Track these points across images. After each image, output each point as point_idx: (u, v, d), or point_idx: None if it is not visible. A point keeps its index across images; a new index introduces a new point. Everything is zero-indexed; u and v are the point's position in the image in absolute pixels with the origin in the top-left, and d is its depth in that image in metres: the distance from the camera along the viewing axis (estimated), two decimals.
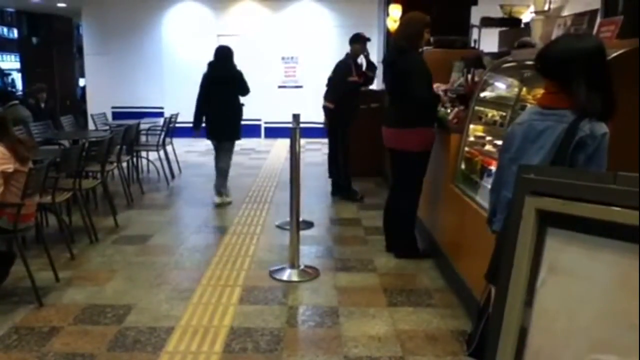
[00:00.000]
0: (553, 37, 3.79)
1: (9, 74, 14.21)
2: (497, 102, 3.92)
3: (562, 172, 1.33)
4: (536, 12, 4.27)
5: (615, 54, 2.48)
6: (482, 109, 4.11)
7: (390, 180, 4.92)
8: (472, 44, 6.67)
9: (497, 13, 6.48)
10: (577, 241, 1.33)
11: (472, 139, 4.13)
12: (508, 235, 1.46)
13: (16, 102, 7.45)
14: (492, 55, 5.05)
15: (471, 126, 4.16)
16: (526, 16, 6.11)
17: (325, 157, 8.15)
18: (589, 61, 2.10)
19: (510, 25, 6.14)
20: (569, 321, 1.34)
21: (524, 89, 3.40)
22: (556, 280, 1.36)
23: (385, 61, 4.65)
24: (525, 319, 1.38)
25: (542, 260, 1.37)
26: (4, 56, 14.51)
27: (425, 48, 6.21)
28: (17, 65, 14.49)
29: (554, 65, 2.17)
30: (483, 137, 4.06)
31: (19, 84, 14.09)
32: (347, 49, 6.64)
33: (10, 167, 3.68)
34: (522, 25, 6.01)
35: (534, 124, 2.19)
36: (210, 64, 6.47)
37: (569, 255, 1.35)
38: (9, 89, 13.66)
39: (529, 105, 2.40)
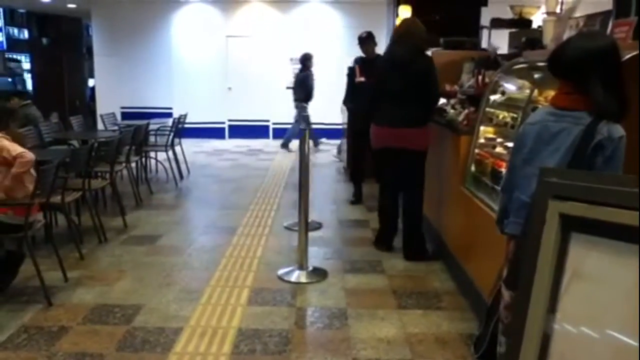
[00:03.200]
0: (564, 38, 3.76)
1: (20, 74, 14.28)
2: (508, 104, 3.89)
3: (586, 175, 1.29)
4: (548, 13, 4.23)
5: (630, 55, 2.44)
6: (492, 110, 4.08)
7: (387, 181, 4.89)
8: (486, 46, 6.62)
9: (507, 14, 6.43)
10: (601, 246, 1.30)
11: (482, 140, 4.10)
12: (530, 240, 1.44)
13: (29, 101, 7.48)
14: (502, 56, 5.02)
15: (481, 128, 4.13)
16: (537, 17, 6.07)
17: (333, 159, 8.18)
18: (604, 61, 2.07)
19: (520, 26, 6.09)
20: (594, 328, 1.32)
21: (536, 91, 3.37)
22: (580, 286, 1.33)
23: (397, 61, 4.60)
24: (548, 325, 1.36)
25: (566, 266, 1.34)
26: (15, 57, 14.59)
27: (434, 49, 6.20)
28: (28, 66, 14.57)
29: (569, 65, 2.13)
30: (494, 139, 4.03)
31: (29, 85, 14.15)
32: (355, 50, 6.68)
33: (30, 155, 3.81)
34: (533, 27, 5.97)
35: (548, 125, 2.16)
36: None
37: (593, 260, 1.32)
38: (20, 89, 13.74)
39: (540, 106, 2.34)
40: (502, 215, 2.38)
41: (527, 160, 2.21)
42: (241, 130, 12.59)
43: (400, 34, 4.69)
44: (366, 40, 6.48)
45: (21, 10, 14.54)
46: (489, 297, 2.55)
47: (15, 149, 3.81)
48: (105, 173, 5.79)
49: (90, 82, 14.58)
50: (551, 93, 3.21)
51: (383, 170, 4.93)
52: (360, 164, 6.68)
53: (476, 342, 2.77)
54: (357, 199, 6.67)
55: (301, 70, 10.25)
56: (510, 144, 3.48)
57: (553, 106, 2.20)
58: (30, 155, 3.83)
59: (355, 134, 6.68)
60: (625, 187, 1.21)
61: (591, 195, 1.27)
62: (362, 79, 6.33)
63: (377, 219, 5.04)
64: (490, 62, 4.88)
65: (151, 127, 7.97)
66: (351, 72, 6.57)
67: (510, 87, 4.00)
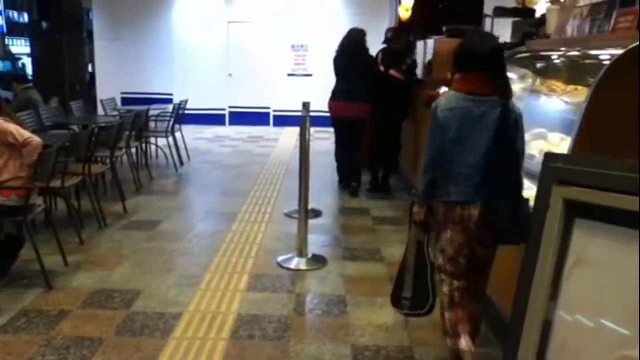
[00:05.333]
0: (568, 27, 3.74)
1: (20, 58, 14.21)
2: None
3: (590, 161, 1.29)
4: (552, 2, 4.21)
5: (633, 45, 2.43)
6: None
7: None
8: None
9: (511, 2, 6.40)
10: (605, 232, 1.29)
11: None
12: (533, 226, 1.43)
13: (30, 84, 7.45)
14: (505, 45, 4.99)
15: None
16: (540, 6, 6.03)
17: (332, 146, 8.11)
18: (502, 56, 2.68)
19: (523, 15, 6.06)
20: (597, 315, 1.31)
21: (538, 80, 3.36)
22: (583, 273, 1.33)
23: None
24: (549, 312, 1.35)
25: (569, 252, 1.32)
26: (15, 40, 14.51)
27: (437, 37, 6.17)
28: (27, 49, 14.49)
29: (486, 60, 2.60)
30: None
31: (29, 69, 14.10)
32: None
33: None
34: (536, 15, 5.93)
35: (470, 109, 2.57)
36: None
37: (596, 246, 1.31)
38: (20, 72, 13.67)
39: (449, 93, 2.70)
40: (429, 189, 2.70)
41: (456, 139, 2.58)
42: (242, 117, 12.56)
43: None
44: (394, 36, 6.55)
45: None
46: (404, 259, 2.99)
47: (22, 133, 3.79)
48: (105, 158, 5.78)
49: (90, 67, 14.52)
50: (554, 82, 3.21)
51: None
52: (378, 152, 6.61)
53: (398, 296, 3.04)
54: (372, 186, 6.61)
55: None
56: None
57: (467, 93, 2.60)
58: (37, 141, 3.80)
59: (378, 124, 6.56)
60: (630, 173, 1.20)
61: (596, 180, 1.26)
62: (397, 74, 6.24)
63: (378, 207, 5.09)
64: None
65: (151, 112, 7.96)
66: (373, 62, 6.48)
67: (512, 76, 3.98)
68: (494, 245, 2.75)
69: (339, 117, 6.36)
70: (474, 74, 2.59)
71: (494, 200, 2.57)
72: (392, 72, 6.19)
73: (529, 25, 4.94)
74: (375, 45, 6.62)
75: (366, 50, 6.41)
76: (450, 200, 2.64)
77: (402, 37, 6.59)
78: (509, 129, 2.55)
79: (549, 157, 1.41)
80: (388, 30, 6.91)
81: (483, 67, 2.58)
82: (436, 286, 2.86)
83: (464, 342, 2.68)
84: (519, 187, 2.66)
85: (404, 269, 3.01)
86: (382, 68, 6.23)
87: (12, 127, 3.80)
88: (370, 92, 6.22)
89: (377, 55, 6.42)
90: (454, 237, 2.67)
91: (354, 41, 6.40)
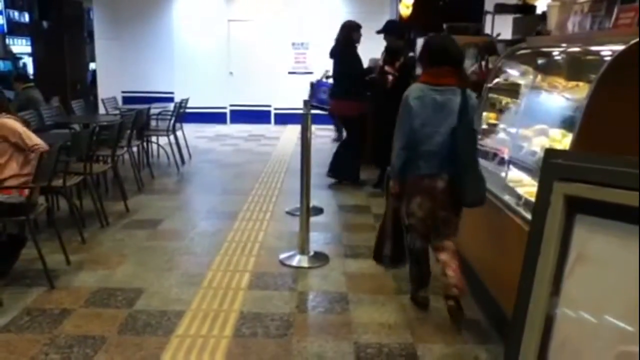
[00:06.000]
0: (569, 24, 3.73)
1: (21, 58, 14.22)
2: (511, 90, 3.87)
3: (591, 157, 1.29)
4: None
5: (634, 41, 2.43)
6: (495, 96, 4.07)
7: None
8: (492, 32, 6.57)
9: (512, 0, 6.39)
10: (606, 228, 1.29)
11: (485, 126, 4.09)
12: (534, 222, 1.44)
13: (31, 84, 7.46)
14: (506, 42, 4.99)
15: (484, 114, 4.12)
16: (541, 3, 6.02)
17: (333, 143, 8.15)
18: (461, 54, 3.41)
19: (524, 12, 6.05)
20: (598, 312, 1.31)
21: (539, 76, 3.36)
22: (585, 269, 1.32)
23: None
24: (551, 309, 1.35)
25: (570, 248, 1.32)
26: (16, 40, 14.50)
27: (436, 34, 6.15)
28: (29, 49, 14.50)
29: (456, 58, 3.27)
30: (496, 125, 4.02)
31: (30, 68, 14.11)
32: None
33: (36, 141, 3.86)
34: (537, 12, 5.92)
35: (435, 97, 3.16)
36: None
37: (598, 243, 1.31)
38: (21, 72, 13.67)
39: (417, 85, 3.26)
40: (402, 167, 3.26)
41: (424, 123, 3.15)
42: (243, 115, 12.57)
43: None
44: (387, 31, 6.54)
45: None
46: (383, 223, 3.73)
47: (30, 137, 3.82)
48: (107, 157, 5.78)
49: (92, 66, 14.52)
50: (555, 78, 3.21)
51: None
52: (379, 150, 6.58)
53: (379, 251, 3.86)
54: (377, 182, 6.57)
55: None
56: (513, 130, 3.49)
57: (431, 85, 3.18)
58: (45, 148, 3.85)
59: (380, 121, 6.53)
60: (631, 168, 1.20)
61: (597, 176, 1.26)
62: (391, 70, 6.25)
63: (379, 204, 5.11)
64: (493, 48, 4.86)
65: (153, 111, 7.97)
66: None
67: (513, 72, 3.99)
68: (456, 209, 3.29)
69: (333, 114, 6.91)
70: (445, 68, 3.19)
71: (456, 173, 3.13)
72: (386, 67, 6.21)
73: (532, 22, 4.94)
74: (374, 40, 6.65)
75: (353, 47, 6.47)
76: (420, 174, 3.22)
77: (398, 32, 6.58)
78: (469, 111, 3.13)
79: (549, 153, 1.41)
80: (389, 22, 6.86)
81: (452, 62, 3.22)
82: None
83: (423, 293, 3.51)
84: (476, 161, 3.17)
85: (383, 232, 3.73)
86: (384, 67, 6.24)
87: (21, 129, 3.82)
88: (358, 89, 6.36)
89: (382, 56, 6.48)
90: (422, 203, 3.27)
91: (342, 37, 6.56)
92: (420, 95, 3.17)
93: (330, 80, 7.65)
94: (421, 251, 3.45)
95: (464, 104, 3.10)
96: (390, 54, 6.29)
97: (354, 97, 6.37)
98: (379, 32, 6.61)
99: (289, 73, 12.46)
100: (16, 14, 14.50)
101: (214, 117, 12.42)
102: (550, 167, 1.35)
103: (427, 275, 3.51)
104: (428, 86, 3.18)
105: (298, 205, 4.55)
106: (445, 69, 3.18)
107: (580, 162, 1.30)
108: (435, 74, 3.19)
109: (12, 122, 3.82)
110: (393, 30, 6.59)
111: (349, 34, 6.49)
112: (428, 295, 3.49)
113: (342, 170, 6.73)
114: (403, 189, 3.33)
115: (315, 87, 8.77)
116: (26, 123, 4.06)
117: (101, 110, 9.15)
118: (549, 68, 3.34)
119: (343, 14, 11.87)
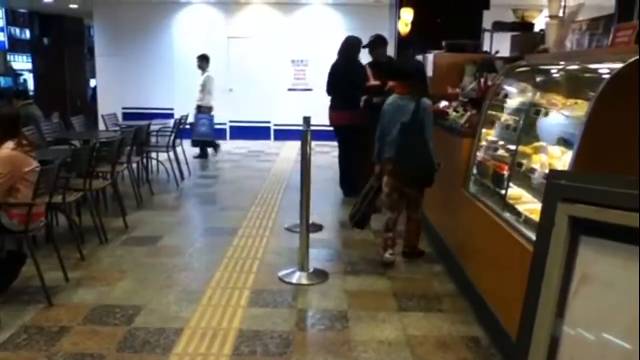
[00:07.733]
0: (567, 42, 3.76)
1: (21, 74, 14.27)
2: (510, 107, 3.89)
3: (595, 178, 1.29)
4: (550, 17, 4.23)
5: (633, 60, 2.44)
6: (494, 113, 4.08)
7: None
8: (491, 50, 6.61)
9: (510, 17, 6.43)
10: (611, 250, 1.29)
11: (484, 143, 4.10)
12: (538, 243, 1.43)
13: (30, 100, 7.48)
14: (504, 59, 5.02)
15: (483, 130, 4.13)
16: (539, 20, 6.06)
17: (335, 160, 8.16)
18: (417, 71, 5.04)
19: (522, 29, 6.09)
20: (603, 332, 1.30)
21: (538, 94, 3.37)
22: (589, 290, 1.32)
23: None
24: (556, 330, 1.34)
25: (575, 269, 1.32)
26: (16, 57, 14.57)
27: (436, 52, 6.21)
28: (29, 65, 14.57)
29: (407, 75, 4.65)
30: (495, 142, 4.03)
31: (31, 85, 14.16)
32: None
33: (35, 164, 3.85)
34: (535, 30, 5.96)
35: (399, 103, 4.43)
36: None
37: (602, 264, 1.31)
38: (21, 88, 13.72)
39: (391, 95, 4.60)
40: (379, 154, 4.55)
41: (390, 122, 4.42)
42: (242, 132, 12.59)
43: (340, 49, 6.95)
44: (375, 44, 6.54)
45: (23, 10, 14.54)
46: (365, 195, 4.75)
47: (27, 165, 3.83)
48: (107, 173, 5.78)
49: (92, 83, 14.58)
50: (553, 96, 3.23)
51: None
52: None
53: (352, 215, 4.83)
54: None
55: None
56: (512, 147, 3.50)
57: (397, 94, 4.51)
58: (34, 171, 3.85)
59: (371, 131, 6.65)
60: (632, 189, 1.20)
61: (601, 197, 1.26)
62: (377, 82, 6.29)
63: (379, 220, 5.08)
64: (492, 65, 4.90)
65: (152, 127, 7.98)
66: (364, 76, 6.59)
67: (512, 90, 4.00)
68: (417, 187, 4.50)
69: (330, 125, 7.07)
70: (400, 81, 4.58)
71: (404, 158, 4.31)
72: (372, 82, 6.36)
73: (530, 39, 4.98)
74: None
75: (356, 61, 6.77)
76: (385, 157, 4.47)
77: (381, 47, 6.68)
78: (420, 114, 4.30)
79: (553, 174, 1.41)
80: (374, 38, 6.91)
81: (403, 77, 4.59)
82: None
83: (388, 255, 4.56)
84: (422, 152, 4.28)
85: (363, 200, 4.71)
86: (377, 83, 6.29)
87: (34, 164, 3.83)
88: (349, 99, 6.52)
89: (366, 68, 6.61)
90: (388, 181, 4.50)
91: (345, 51, 6.85)
92: (390, 101, 4.52)
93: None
94: (389, 220, 4.55)
95: (417, 108, 4.30)
96: (375, 68, 6.41)
97: (356, 107, 6.44)
98: (364, 46, 6.73)
99: (289, 90, 12.52)
100: (17, 30, 14.59)
101: (214, 133, 12.42)
102: (554, 188, 1.35)
103: (392, 239, 4.56)
104: (395, 95, 4.52)
105: (297, 221, 4.54)
106: (400, 82, 4.58)
107: (583, 183, 1.30)
108: (397, 86, 4.61)
109: (29, 160, 3.86)
110: (377, 44, 6.64)
111: (352, 48, 6.73)
112: (393, 256, 4.54)
113: (357, 186, 6.68)
114: (381, 171, 4.55)
115: (195, 119, 9.70)
116: (31, 144, 4.06)
117: (101, 126, 9.16)
118: (548, 85, 3.35)
119: (342, 31, 11.95)
